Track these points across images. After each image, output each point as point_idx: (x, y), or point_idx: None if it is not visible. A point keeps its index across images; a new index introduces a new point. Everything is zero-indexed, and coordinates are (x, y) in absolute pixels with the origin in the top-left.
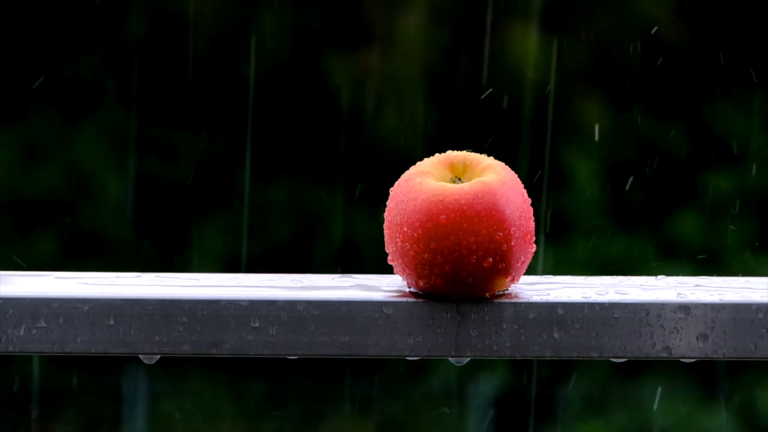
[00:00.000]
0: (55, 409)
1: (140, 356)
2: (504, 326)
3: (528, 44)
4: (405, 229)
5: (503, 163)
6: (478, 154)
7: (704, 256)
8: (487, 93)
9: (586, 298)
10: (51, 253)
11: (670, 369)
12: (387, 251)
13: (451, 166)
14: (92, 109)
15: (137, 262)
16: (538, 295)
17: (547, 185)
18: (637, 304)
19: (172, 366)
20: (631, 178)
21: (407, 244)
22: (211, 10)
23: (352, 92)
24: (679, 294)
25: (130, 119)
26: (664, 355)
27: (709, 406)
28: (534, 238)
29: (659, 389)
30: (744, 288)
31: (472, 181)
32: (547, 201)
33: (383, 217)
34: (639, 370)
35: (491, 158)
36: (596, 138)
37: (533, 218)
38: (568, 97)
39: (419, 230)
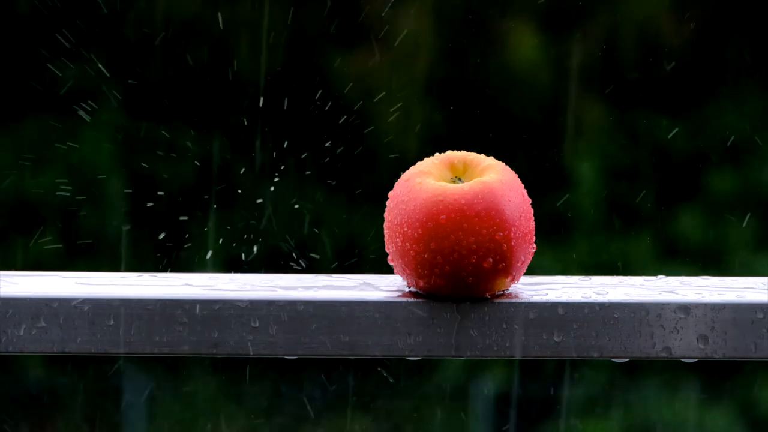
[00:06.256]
0: (55, 409)
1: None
2: (504, 326)
3: (529, 43)
4: (405, 229)
5: (503, 163)
6: (478, 154)
7: (704, 255)
8: (487, 92)
9: (586, 298)
10: (51, 253)
11: (670, 369)
12: (387, 251)
13: (451, 166)
14: (93, 109)
15: (137, 262)
16: (538, 295)
17: (548, 185)
18: (637, 304)
19: (172, 366)
20: (632, 178)
21: (407, 244)
22: (211, 9)
23: (353, 92)
24: (679, 294)
25: (130, 119)
26: (664, 355)
27: (709, 405)
28: (534, 238)
29: (659, 389)
30: (744, 288)
31: (472, 181)
32: (547, 201)
33: (383, 217)
34: (639, 369)
35: (491, 158)
36: (597, 137)
37: (533, 218)
38: (568, 97)
39: (419, 230)
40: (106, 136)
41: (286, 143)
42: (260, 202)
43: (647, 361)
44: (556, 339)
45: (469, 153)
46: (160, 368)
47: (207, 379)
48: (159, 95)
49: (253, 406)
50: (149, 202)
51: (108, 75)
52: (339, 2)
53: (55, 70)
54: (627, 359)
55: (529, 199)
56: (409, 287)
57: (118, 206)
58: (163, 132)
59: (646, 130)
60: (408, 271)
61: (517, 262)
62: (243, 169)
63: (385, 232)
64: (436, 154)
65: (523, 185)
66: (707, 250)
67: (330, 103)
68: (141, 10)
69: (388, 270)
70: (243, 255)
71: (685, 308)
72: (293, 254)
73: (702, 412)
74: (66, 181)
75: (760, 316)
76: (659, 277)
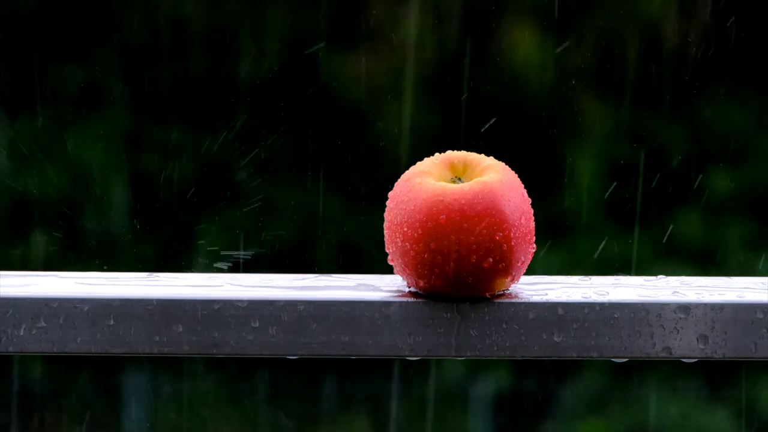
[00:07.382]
0: (55, 409)
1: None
2: (504, 326)
3: (529, 43)
4: (405, 229)
5: (503, 163)
6: (478, 154)
7: (704, 255)
8: (487, 92)
9: (586, 298)
10: (51, 253)
11: (670, 369)
12: (387, 251)
13: (451, 166)
14: (93, 109)
15: (137, 262)
16: (538, 295)
17: (548, 185)
18: (637, 304)
19: (172, 366)
20: (632, 178)
21: (407, 244)
22: (211, 9)
23: (352, 91)
24: (679, 294)
25: (130, 119)
26: (664, 355)
27: (709, 405)
28: (534, 238)
29: (659, 389)
30: (744, 288)
31: (472, 181)
32: (547, 201)
33: (383, 217)
34: (639, 370)
35: (491, 158)
36: (597, 137)
37: (533, 218)
38: (569, 97)
39: (419, 230)
40: (107, 135)
41: (285, 143)
42: (260, 203)
43: (647, 361)
44: (556, 339)
45: (469, 153)
46: (160, 368)
47: (207, 379)
48: (160, 95)
49: (253, 407)
50: (150, 202)
51: (110, 75)
52: (339, 1)
53: (57, 70)
54: (627, 359)
55: (529, 199)
56: (409, 287)
57: (119, 206)
58: (164, 132)
59: (646, 130)
60: (408, 271)
61: (517, 262)
62: (243, 170)
63: (385, 232)
64: (436, 154)
65: (523, 185)
66: (707, 250)
67: (329, 103)
68: (142, 10)
69: (388, 270)
70: (243, 255)
71: (685, 308)
72: (293, 254)
73: (702, 412)
74: (66, 180)
75: (760, 316)
76: (659, 277)
